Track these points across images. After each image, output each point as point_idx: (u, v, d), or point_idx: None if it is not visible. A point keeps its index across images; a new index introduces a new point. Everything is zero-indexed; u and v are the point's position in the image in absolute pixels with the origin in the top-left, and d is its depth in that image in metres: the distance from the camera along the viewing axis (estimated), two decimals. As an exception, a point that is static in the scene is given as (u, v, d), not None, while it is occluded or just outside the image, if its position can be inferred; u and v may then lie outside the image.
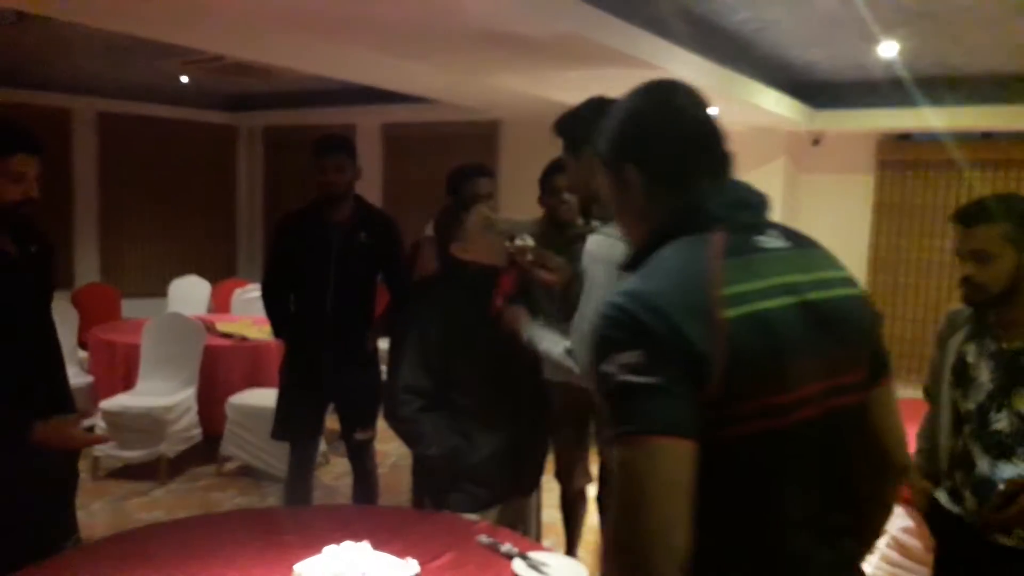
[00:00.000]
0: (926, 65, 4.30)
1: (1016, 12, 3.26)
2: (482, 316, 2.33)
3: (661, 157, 1.19)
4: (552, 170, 3.17)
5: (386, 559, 1.77)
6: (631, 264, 1.20)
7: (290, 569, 1.73)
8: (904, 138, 5.51)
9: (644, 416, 1.00)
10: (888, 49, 4.02)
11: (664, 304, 1.04)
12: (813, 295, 1.14)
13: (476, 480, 2.28)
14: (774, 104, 4.61)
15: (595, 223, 3.13)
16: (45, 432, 2.03)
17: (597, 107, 2.09)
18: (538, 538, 2.60)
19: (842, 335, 1.15)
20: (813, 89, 5.10)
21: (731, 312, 1.05)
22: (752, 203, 1.23)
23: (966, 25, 3.50)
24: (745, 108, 4.52)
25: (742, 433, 1.05)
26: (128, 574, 1.77)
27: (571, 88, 4.17)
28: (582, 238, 3.02)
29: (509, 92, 4.86)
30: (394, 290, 3.29)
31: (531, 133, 6.56)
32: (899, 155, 5.47)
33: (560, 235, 3.10)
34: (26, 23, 4.80)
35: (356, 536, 1.85)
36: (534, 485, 2.51)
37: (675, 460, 0.99)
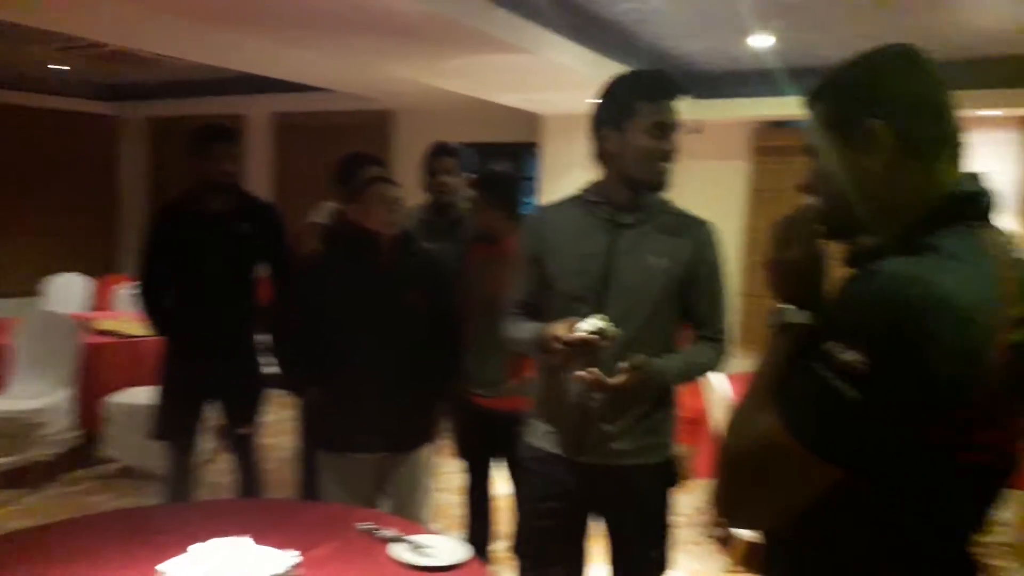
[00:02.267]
0: (798, 56, 4.50)
1: (881, 5, 3.45)
2: (366, 275, 2.52)
3: (919, 120, 1.03)
4: (434, 153, 3.19)
5: (266, 552, 1.75)
6: (877, 252, 1.01)
7: (155, 570, 1.66)
8: (778, 125, 5.75)
9: (810, 424, 0.92)
10: (762, 40, 4.21)
11: (958, 311, 0.88)
12: None
13: (360, 426, 2.47)
14: (655, 94, 4.74)
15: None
16: None
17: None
18: (425, 516, 2.64)
19: None
20: (692, 79, 5.27)
21: (1014, 336, 0.92)
22: (988, 191, 1.05)
23: (836, 17, 3.69)
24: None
25: (949, 463, 0.96)
26: None
27: (458, 76, 4.19)
28: (464, 220, 3.09)
29: (399, 81, 4.84)
30: (278, 281, 3.23)
31: (424, 123, 6.60)
32: (773, 142, 5.72)
33: (443, 218, 3.13)
34: None
35: (237, 531, 1.81)
36: (417, 443, 2.61)
37: (809, 475, 0.94)
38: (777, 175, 5.63)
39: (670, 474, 2.11)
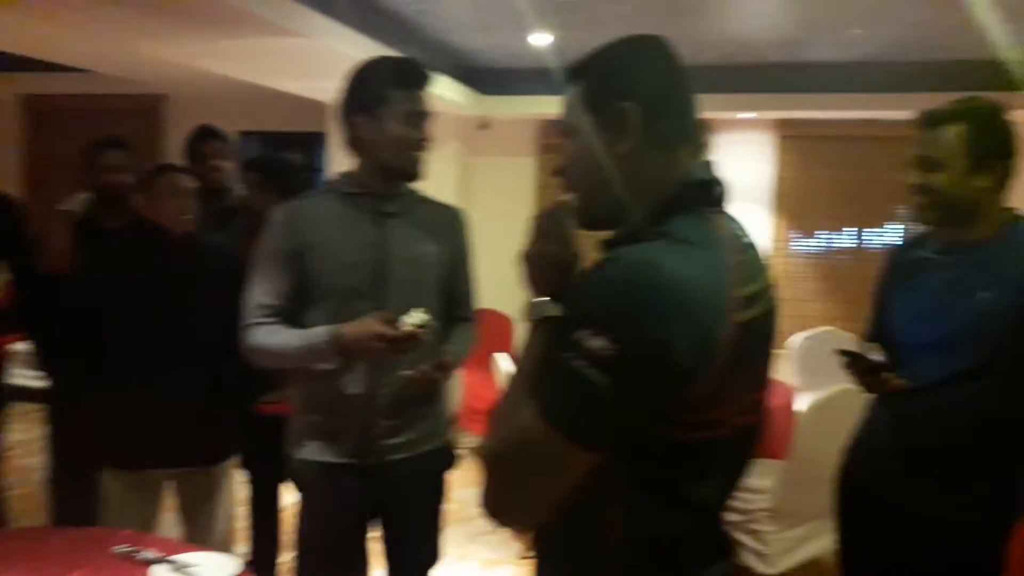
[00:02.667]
0: (576, 55, 4.68)
1: (646, 6, 3.64)
2: (156, 274, 2.32)
3: (665, 109, 1.07)
4: (200, 137, 2.99)
5: None
6: (625, 238, 1.05)
7: None
8: (558, 122, 5.98)
9: (566, 413, 0.94)
10: (541, 39, 4.34)
11: (691, 293, 0.93)
12: (770, 301, 1.08)
13: (153, 440, 2.27)
14: (441, 88, 4.76)
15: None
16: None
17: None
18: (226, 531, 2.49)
19: (768, 355, 1.11)
20: (479, 75, 5.35)
21: (742, 315, 0.98)
22: (720, 180, 1.11)
23: (608, 19, 3.85)
24: (414, 91, 4.61)
25: (685, 439, 1.00)
26: None
27: (231, 60, 3.97)
28: (240, 209, 2.92)
29: (168, 64, 4.49)
30: (20, 280, 2.87)
31: (201, 110, 6.18)
32: (556, 139, 5.93)
33: (214, 208, 2.95)
34: None
35: None
36: (216, 457, 2.45)
37: (569, 464, 0.96)
38: (562, 170, 5.86)
39: (447, 458, 2.13)
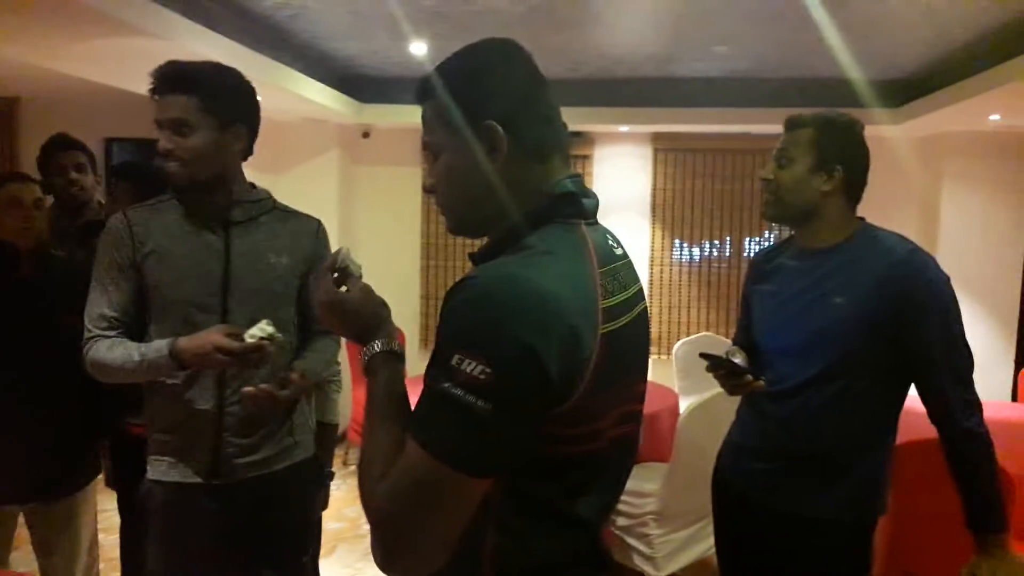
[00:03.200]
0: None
1: (532, 15, 3.68)
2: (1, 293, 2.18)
3: (530, 119, 1.05)
4: (55, 147, 2.81)
5: None
6: (490, 251, 1.04)
7: None
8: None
9: (451, 444, 0.90)
10: (418, 48, 4.32)
11: (553, 303, 0.91)
12: (637, 311, 1.08)
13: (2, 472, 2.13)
14: (319, 95, 4.67)
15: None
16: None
17: (240, 78, 1.86)
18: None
19: (643, 358, 1.11)
20: (358, 83, 5.28)
21: (606, 328, 0.97)
22: (589, 193, 1.10)
23: (484, 29, 3.85)
24: (291, 98, 4.51)
25: (563, 454, 0.99)
26: None
27: (87, 62, 3.75)
28: (101, 225, 2.76)
29: (23, 65, 4.20)
30: None
31: (60, 114, 5.82)
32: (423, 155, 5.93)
33: (74, 222, 2.77)
34: None
35: None
36: (73, 486, 2.31)
37: (463, 496, 0.92)
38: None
39: (313, 475, 2.07)
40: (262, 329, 1.72)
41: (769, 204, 1.91)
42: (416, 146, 5.90)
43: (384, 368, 1.09)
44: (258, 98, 1.92)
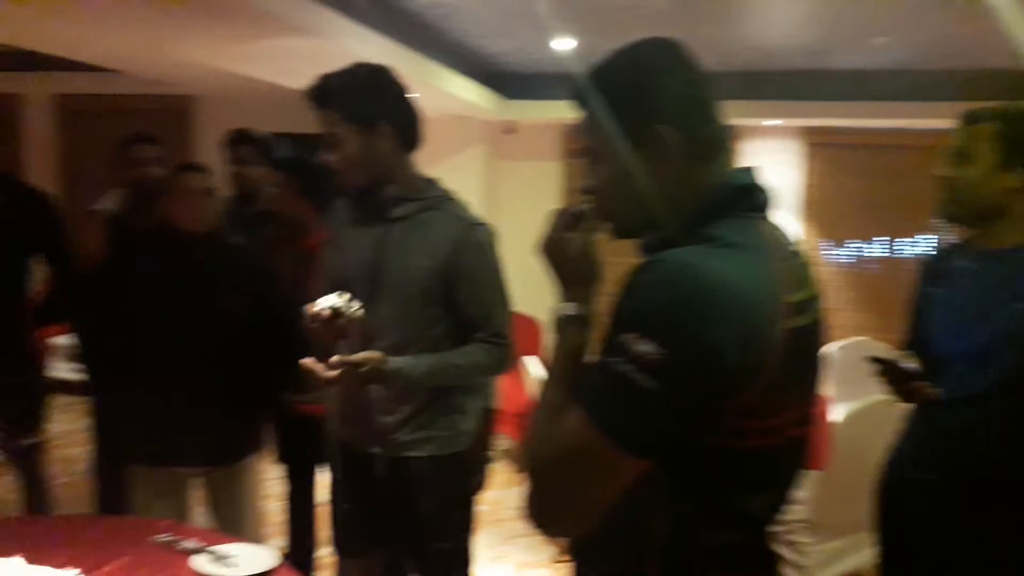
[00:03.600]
0: (599, 60, 4.71)
1: (680, 7, 3.65)
2: (175, 276, 2.33)
3: (697, 118, 1.05)
4: (232, 141, 3.04)
5: (40, 572, 1.61)
6: (666, 243, 1.01)
7: None
8: (585, 128, 6.00)
9: (613, 418, 0.92)
10: (565, 43, 4.36)
11: (739, 295, 0.92)
12: (818, 312, 1.06)
13: (176, 439, 2.30)
14: (467, 92, 4.79)
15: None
16: None
17: (378, 76, 1.93)
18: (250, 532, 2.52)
19: (817, 366, 1.08)
20: (504, 79, 5.38)
21: (789, 323, 0.96)
22: (765, 186, 1.09)
23: (632, 23, 3.84)
24: (440, 95, 4.65)
25: (737, 449, 0.99)
26: None
27: (254, 61, 4.02)
28: (270, 214, 2.97)
29: (197, 65, 4.56)
30: (57, 274, 2.92)
31: (230, 111, 6.26)
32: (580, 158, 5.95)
33: (244, 211, 2.98)
34: None
35: (9, 551, 1.66)
36: (239, 455, 2.49)
37: (616, 470, 0.94)
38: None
39: (461, 468, 2.09)
40: (329, 300, 1.82)
41: (947, 203, 1.82)
42: (559, 142, 5.95)
43: (572, 332, 1.10)
44: (404, 90, 1.96)
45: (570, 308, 1.11)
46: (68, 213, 3.02)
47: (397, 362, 1.86)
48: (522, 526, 3.93)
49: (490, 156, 5.90)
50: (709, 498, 1.02)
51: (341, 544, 2.16)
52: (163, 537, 1.85)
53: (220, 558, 1.76)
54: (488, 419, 2.24)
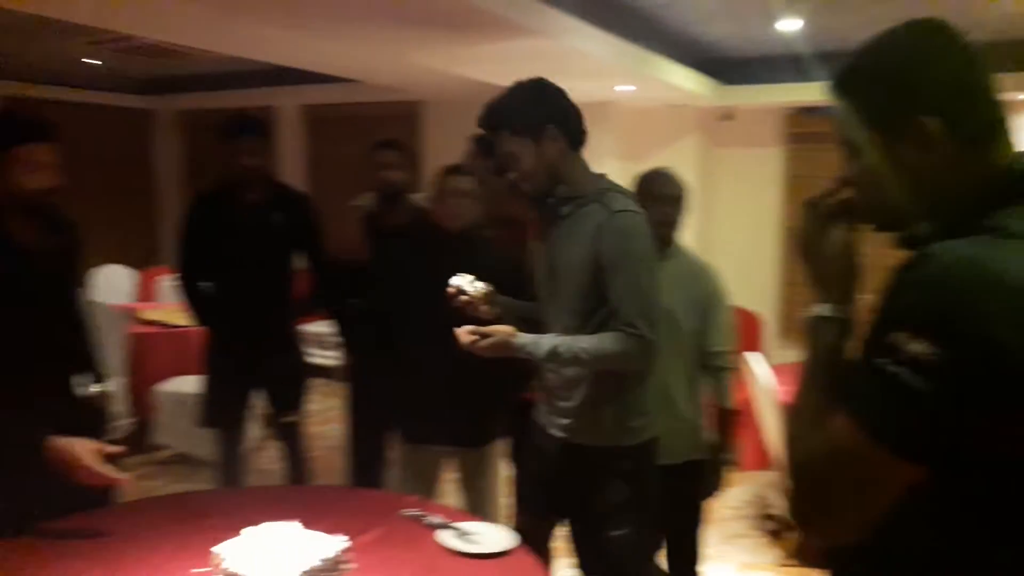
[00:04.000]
0: (828, 39, 4.46)
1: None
2: (435, 269, 2.48)
3: (968, 104, 0.98)
4: (476, 142, 3.18)
5: (315, 536, 1.79)
6: (936, 235, 0.93)
7: (210, 552, 1.71)
8: (810, 111, 5.68)
9: (881, 419, 0.88)
10: (790, 24, 4.18)
11: (1019, 290, 0.83)
12: None
13: (423, 415, 2.55)
14: (684, 81, 4.74)
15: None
16: (63, 450, 1.83)
17: (535, 87, 2.06)
18: (490, 506, 2.71)
19: None
20: (721, 65, 5.24)
21: None
22: None
23: (863, 0, 3.64)
24: (657, 85, 4.63)
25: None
26: (37, 569, 1.72)
27: (480, 64, 4.20)
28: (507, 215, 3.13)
29: (426, 71, 4.87)
30: (317, 270, 3.27)
31: (453, 113, 6.59)
32: (806, 128, 5.67)
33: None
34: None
35: (286, 516, 1.86)
36: (489, 439, 2.70)
37: (886, 475, 0.89)
38: (812, 161, 5.59)
39: (631, 462, 2.11)
40: (457, 280, 2.14)
41: None
42: (780, 127, 5.72)
43: (828, 334, 1.06)
44: (563, 92, 2.06)
45: (826, 309, 1.06)
46: (322, 213, 3.37)
47: (525, 338, 2.01)
48: (744, 526, 3.86)
49: (705, 144, 5.78)
50: (995, 515, 0.93)
51: (521, 500, 2.38)
52: (411, 511, 2.03)
53: (464, 535, 1.89)
54: (726, 421, 2.24)
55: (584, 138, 2.08)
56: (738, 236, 5.74)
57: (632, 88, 4.72)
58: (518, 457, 3.06)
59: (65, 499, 1.95)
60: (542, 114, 2.00)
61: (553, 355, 2.00)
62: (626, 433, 2.10)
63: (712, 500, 2.50)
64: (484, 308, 2.15)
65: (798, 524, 1.00)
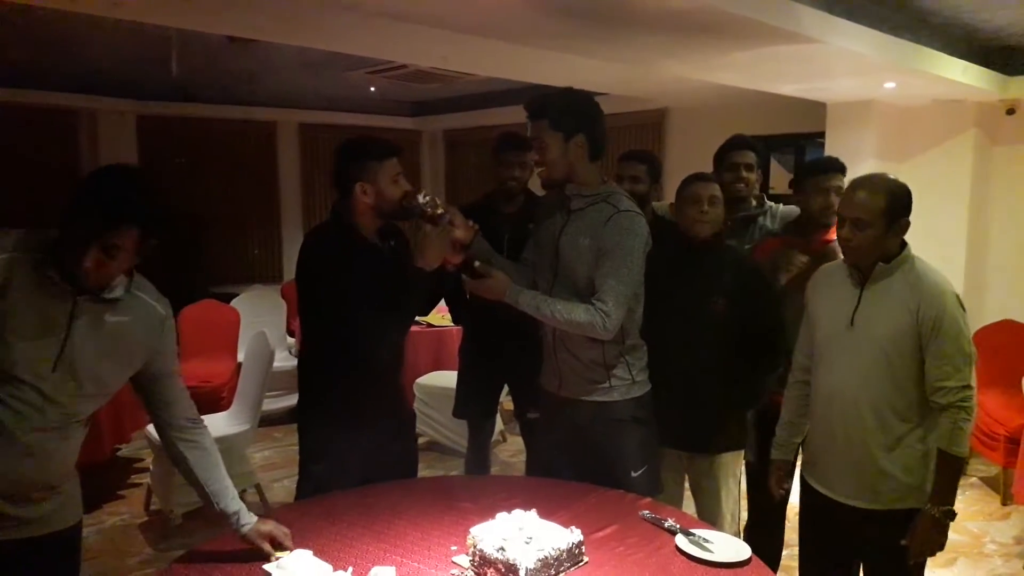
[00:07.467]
0: None
1: None
2: (677, 276, 2.61)
3: None
4: (730, 146, 3.16)
5: (552, 527, 1.88)
6: None
7: (466, 531, 1.87)
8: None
9: None
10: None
11: None
12: None
13: (671, 423, 2.57)
14: (960, 74, 4.32)
15: (769, 204, 3.15)
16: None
17: (583, 98, 2.41)
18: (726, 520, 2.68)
19: None
20: (1005, 54, 4.72)
21: None
22: None
23: None
24: (925, 81, 4.27)
25: None
26: (318, 532, 1.98)
27: (734, 70, 4.13)
28: (754, 220, 3.07)
29: (675, 79, 4.88)
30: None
31: (696, 119, 6.56)
32: None
33: (735, 212, 3.09)
34: (236, 46, 5.40)
35: (526, 505, 1.96)
36: (722, 447, 2.65)
37: None
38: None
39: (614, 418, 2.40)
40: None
41: None
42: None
43: None
44: (600, 113, 2.38)
45: None
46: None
47: (515, 288, 2.34)
48: (1006, 562, 3.47)
49: (983, 141, 5.22)
50: None
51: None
52: (647, 513, 2.07)
53: (698, 541, 1.90)
54: (946, 467, 2.04)
55: (603, 153, 2.39)
56: (1015, 238, 5.12)
57: (892, 85, 4.39)
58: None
59: (382, 470, 2.40)
60: (579, 121, 2.33)
61: (532, 309, 2.32)
62: (610, 391, 2.44)
63: (927, 557, 2.18)
64: (458, 225, 2.36)
65: None
